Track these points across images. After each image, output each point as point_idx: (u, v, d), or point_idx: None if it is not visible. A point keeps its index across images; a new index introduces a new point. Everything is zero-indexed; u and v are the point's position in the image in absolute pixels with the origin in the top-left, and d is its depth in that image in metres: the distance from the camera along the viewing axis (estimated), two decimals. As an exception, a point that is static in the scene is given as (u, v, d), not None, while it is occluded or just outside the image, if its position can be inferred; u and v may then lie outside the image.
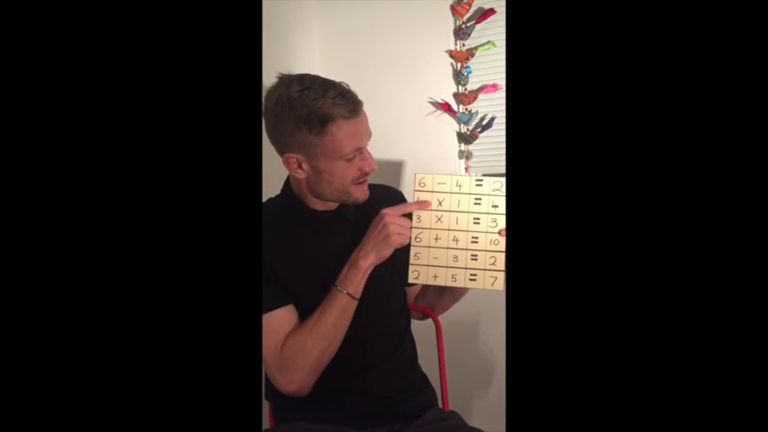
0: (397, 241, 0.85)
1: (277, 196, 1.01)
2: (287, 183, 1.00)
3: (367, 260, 0.86)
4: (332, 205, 0.96)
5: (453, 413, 0.99)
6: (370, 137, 0.90)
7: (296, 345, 0.86)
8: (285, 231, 0.94)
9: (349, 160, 0.87)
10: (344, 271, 0.87)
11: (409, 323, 1.06)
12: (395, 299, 1.01)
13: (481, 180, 0.86)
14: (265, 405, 1.05)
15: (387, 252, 0.86)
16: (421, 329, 1.11)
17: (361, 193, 0.92)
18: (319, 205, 0.95)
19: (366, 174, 0.90)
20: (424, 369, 1.05)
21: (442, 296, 1.07)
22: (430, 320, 1.12)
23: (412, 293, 1.11)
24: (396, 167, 1.60)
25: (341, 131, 0.84)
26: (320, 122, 0.83)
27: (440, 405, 1.05)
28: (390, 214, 0.86)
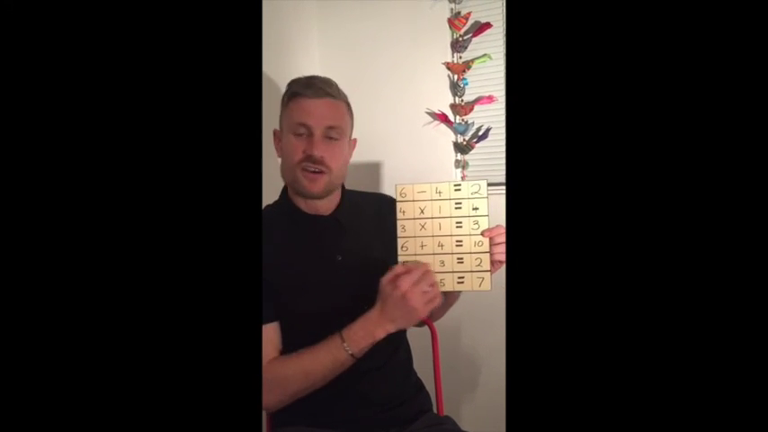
0: (426, 311, 0.82)
1: (275, 202, 1.03)
2: (284, 189, 1.02)
3: (384, 331, 0.84)
4: (324, 209, 0.98)
5: (447, 418, 0.99)
6: (330, 127, 0.93)
7: (278, 373, 0.87)
8: (280, 236, 0.95)
9: (297, 135, 0.93)
10: (356, 328, 0.84)
11: (405, 330, 1.07)
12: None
13: (459, 185, 0.87)
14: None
15: (411, 323, 0.85)
16: (416, 335, 1.13)
17: (309, 183, 0.93)
18: (309, 207, 0.97)
19: (309, 157, 0.92)
20: (419, 374, 1.06)
21: None
22: (425, 326, 1.14)
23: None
24: (392, 176, 1.62)
25: (296, 105, 0.94)
26: (288, 98, 0.96)
27: (434, 410, 1.06)
28: (406, 281, 0.81)
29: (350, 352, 0.84)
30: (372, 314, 0.85)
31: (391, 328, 0.84)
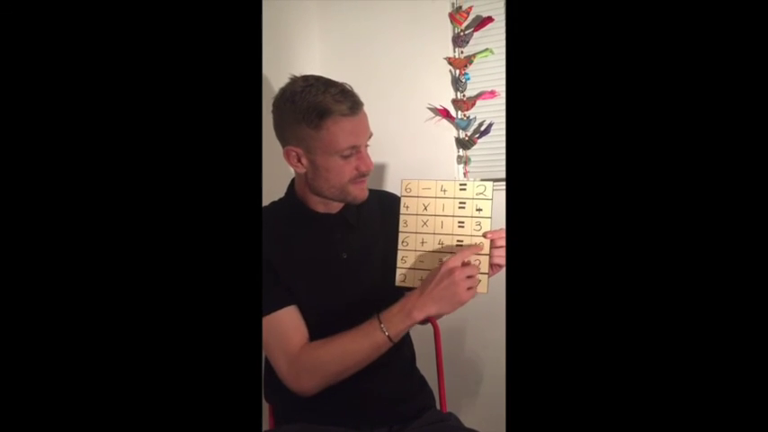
0: (467, 298, 0.81)
1: (280, 199, 1.02)
2: (291, 185, 1.01)
3: (422, 312, 0.82)
4: (333, 207, 0.97)
5: (451, 415, 0.99)
6: (369, 137, 0.92)
7: (315, 357, 0.87)
8: (286, 233, 0.95)
9: (345, 157, 0.88)
10: (394, 311, 0.84)
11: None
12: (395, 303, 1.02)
13: (465, 184, 0.87)
14: (265, 406, 1.06)
15: (452, 309, 0.82)
16: (419, 332, 1.12)
17: (360, 192, 0.93)
18: (320, 206, 0.96)
19: (363, 173, 0.92)
20: (422, 371, 1.06)
21: None
22: (428, 324, 1.14)
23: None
24: (393, 172, 1.62)
25: (337, 126, 0.86)
26: (318, 116, 0.86)
27: (438, 407, 1.06)
28: (456, 267, 0.80)
29: (387, 334, 0.84)
30: (412, 297, 0.83)
31: (432, 311, 0.82)
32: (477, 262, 0.85)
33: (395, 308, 0.84)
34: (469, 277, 0.81)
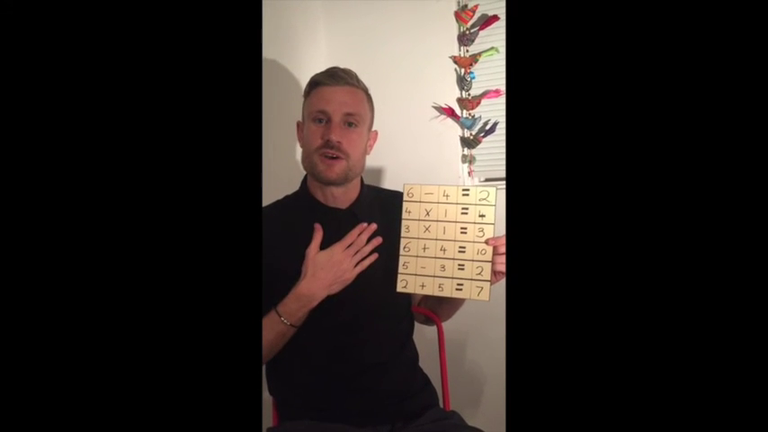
0: (351, 275, 0.90)
1: (294, 193, 1.05)
2: (304, 180, 1.04)
3: (310, 291, 0.90)
4: (341, 201, 0.99)
5: (454, 413, 1.00)
6: (347, 112, 0.95)
7: None
8: (294, 226, 0.97)
9: (316, 122, 0.96)
10: (286, 299, 0.91)
11: (413, 327, 1.08)
12: (398, 303, 1.02)
13: (468, 190, 0.86)
14: (268, 401, 1.06)
15: (339, 286, 0.91)
16: (423, 331, 1.13)
17: (325, 168, 0.95)
18: (327, 198, 0.98)
19: (328, 143, 0.93)
20: (425, 370, 1.07)
21: (441, 305, 1.09)
22: (433, 325, 1.14)
23: (416, 297, 1.13)
24: (398, 171, 1.62)
25: (317, 94, 0.97)
26: (309, 87, 1.00)
27: (441, 405, 1.07)
28: (338, 247, 0.90)
29: (288, 323, 0.91)
30: (302, 286, 0.90)
31: (321, 291, 0.90)
32: (480, 269, 0.85)
33: (289, 300, 0.91)
34: (355, 254, 0.90)
